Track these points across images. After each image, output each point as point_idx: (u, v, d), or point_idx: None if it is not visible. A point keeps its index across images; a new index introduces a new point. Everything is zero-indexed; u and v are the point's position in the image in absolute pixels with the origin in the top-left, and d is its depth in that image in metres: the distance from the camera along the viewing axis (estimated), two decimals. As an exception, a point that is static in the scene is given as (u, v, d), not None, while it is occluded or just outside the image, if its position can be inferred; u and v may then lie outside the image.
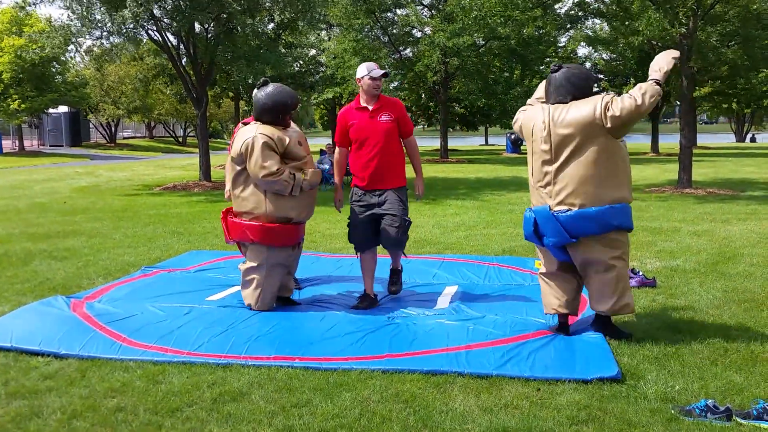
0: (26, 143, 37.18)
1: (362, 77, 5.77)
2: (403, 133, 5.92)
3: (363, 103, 5.83)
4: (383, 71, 5.73)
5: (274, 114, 5.63)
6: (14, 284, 6.77)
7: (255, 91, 5.76)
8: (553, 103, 4.97)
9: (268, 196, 5.58)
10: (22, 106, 31.27)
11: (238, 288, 6.44)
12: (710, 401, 3.70)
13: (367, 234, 5.88)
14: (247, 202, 5.65)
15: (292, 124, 5.86)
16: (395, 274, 6.13)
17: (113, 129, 44.18)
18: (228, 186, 5.92)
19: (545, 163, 4.92)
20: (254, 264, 5.71)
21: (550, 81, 5.04)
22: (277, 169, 5.47)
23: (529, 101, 5.32)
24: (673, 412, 3.73)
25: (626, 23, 16.05)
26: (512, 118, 5.69)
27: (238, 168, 5.64)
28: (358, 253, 6.00)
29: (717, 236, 9.24)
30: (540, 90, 5.28)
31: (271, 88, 5.68)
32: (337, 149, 6.08)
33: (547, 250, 5.06)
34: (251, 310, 5.72)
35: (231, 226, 5.77)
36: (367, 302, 5.88)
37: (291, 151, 5.63)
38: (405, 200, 5.87)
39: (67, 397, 4.00)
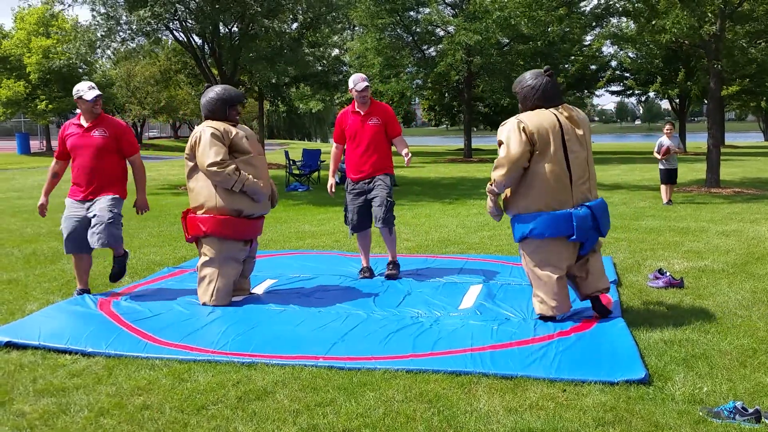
0: (53, 143, 37.62)
1: (351, 89, 6.75)
2: (391, 135, 6.87)
3: (357, 108, 6.82)
4: (365, 84, 6.69)
5: (222, 109, 5.93)
6: (42, 283, 6.86)
7: (202, 96, 6.12)
8: (556, 106, 5.30)
9: (218, 189, 5.79)
10: (50, 106, 31.69)
11: (262, 287, 6.49)
12: (739, 403, 3.65)
13: (360, 217, 6.82)
14: (199, 195, 5.87)
15: (246, 128, 6.16)
16: (392, 263, 6.91)
17: (139, 129, 44.62)
18: None
19: (584, 160, 5.27)
20: (207, 258, 5.88)
21: (547, 86, 5.30)
22: (222, 159, 5.70)
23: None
24: (700, 414, 3.68)
25: (652, 22, 15.88)
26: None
27: (191, 164, 5.92)
28: (352, 233, 6.97)
29: (745, 236, 9.12)
30: None
31: (215, 88, 6.06)
32: (334, 144, 7.11)
33: (573, 249, 5.29)
34: (204, 305, 5.81)
35: (188, 223, 5.95)
36: (366, 273, 6.92)
37: (237, 144, 5.85)
38: (390, 184, 6.81)
39: (95, 394, 4.05)
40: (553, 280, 5.24)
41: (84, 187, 6.07)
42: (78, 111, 6.09)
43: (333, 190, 7.07)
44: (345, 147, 6.99)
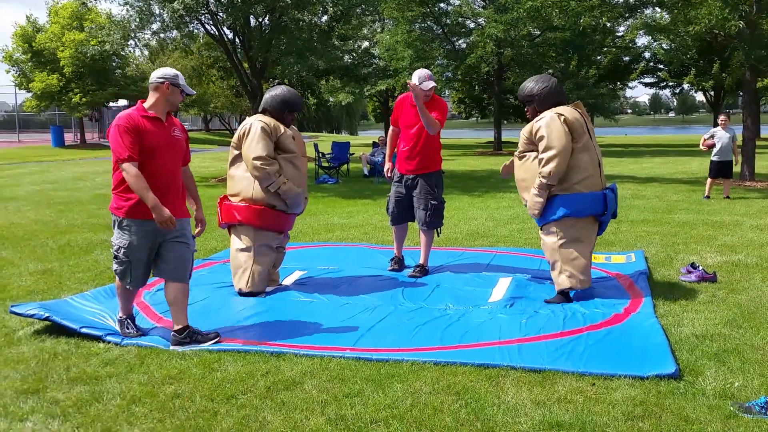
0: (87, 136, 38.09)
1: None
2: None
3: (414, 101, 6.52)
4: (431, 86, 6.41)
5: (280, 110, 6.02)
6: (76, 273, 6.97)
7: (268, 90, 6.20)
8: (568, 104, 5.71)
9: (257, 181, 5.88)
10: (84, 99, 32.07)
11: (291, 279, 6.53)
12: (771, 399, 3.60)
13: (399, 210, 6.83)
14: (237, 184, 6.00)
15: (295, 129, 6.25)
16: (420, 267, 6.73)
17: (171, 122, 44.95)
18: None
19: (599, 150, 5.84)
20: (242, 246, 5.98)
21: (559, 85, 5.76)
22: (267, 155, 5.79)
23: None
24: (732, 408, 3.64)
25: (685, 12, 15.62)
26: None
27: (236, 152, 6.01)
28: (392, 224, 6.95)
29: (780, 230, 8.97)
30: None
31: (283, 89, 6.13)
32: (391, 128, 6.96)
33: (597, 227, 5.79)
34: (241, 294, 5.90)
35: (223, 210, 6.04)
36: (396, 265, 6.91)
37: (283, 142, 5.94)
38: (435, 185, 6.69)
39: (127, 383, 4.11)
40: (586, 254, 5.65)
41: (172, 204, 4.70)
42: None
43: (390, 174, 6.96)
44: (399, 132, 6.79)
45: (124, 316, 4.93)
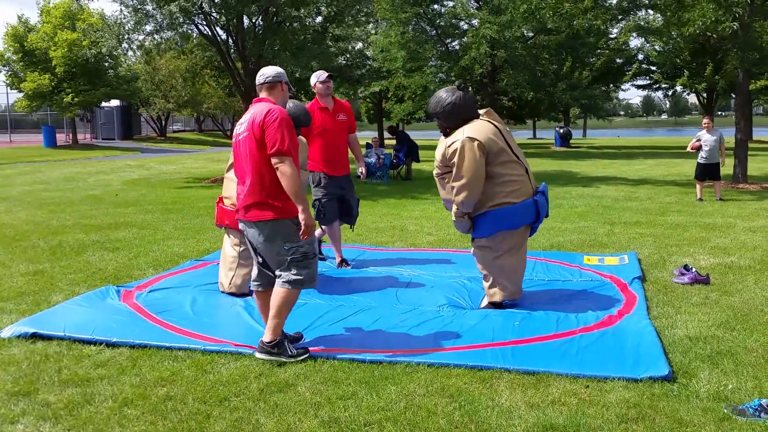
0: (79, 136, 38.00)
1: (315, 84, 6.78)
2: (351, 130, 7.06)
3: (323, 104, 6.84)
4: (328, 74, 6.79)
5: None
6: (68, 274, 6.93)
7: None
8: (478, 116, 5.51)
9: None
10: (76, 99, 31.98)
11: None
12: (764, 401, 3.60)
13: (335, 211, 7.02)
14: (229, 188, 6.07)
15: (301, 139, 6.26)
16: (344, 259, 7.17)
17: (163, 123, 44.89)
18: None
19: (522, 153, 5.64)
20: (230, 248, 6.07)
21: (467, 99, 5.49)
22: None
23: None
24: (725, 411, 3.64)
25: (677, 14, 15.65)
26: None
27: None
28: (325, 227, 7.05)
29: (773, 232, 8.99)
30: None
31: (291, 104, 6.08)
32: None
33: (529, 231, 5.64)
34: (222, 292, 5.97)
35: (217, 211, 6.15)
36: (346, 263, 7.15)
37: None
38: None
39: (119, 385, 4.08)
40: (520, 265, 5.58)
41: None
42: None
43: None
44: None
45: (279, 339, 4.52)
